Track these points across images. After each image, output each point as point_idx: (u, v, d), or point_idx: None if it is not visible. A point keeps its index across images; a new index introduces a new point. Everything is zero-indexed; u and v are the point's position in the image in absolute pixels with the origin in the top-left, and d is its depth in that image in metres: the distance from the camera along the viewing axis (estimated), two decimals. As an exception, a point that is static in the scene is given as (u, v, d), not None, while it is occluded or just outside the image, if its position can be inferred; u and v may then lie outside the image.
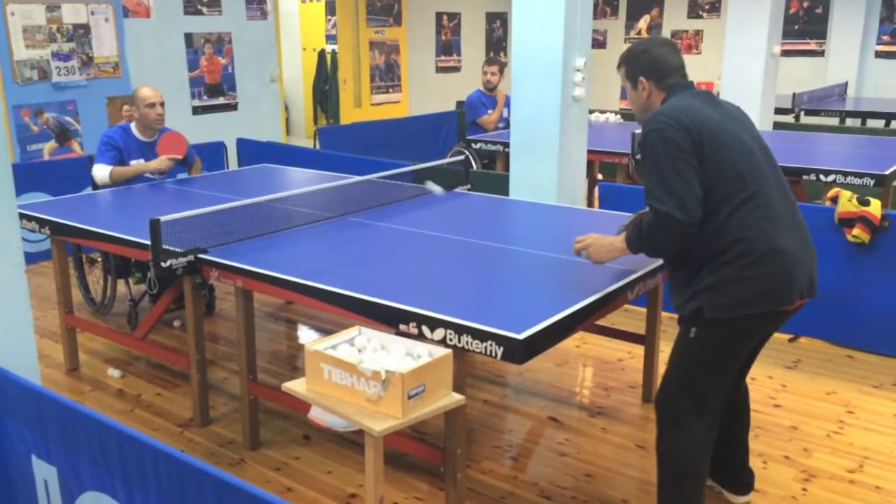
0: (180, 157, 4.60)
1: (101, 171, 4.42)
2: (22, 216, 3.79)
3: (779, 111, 8.07)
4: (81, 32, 6.58)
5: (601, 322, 3.51)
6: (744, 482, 2.84)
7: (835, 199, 4.04)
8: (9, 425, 2.09)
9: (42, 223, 3.75)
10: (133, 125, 4.57)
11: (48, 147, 6.45)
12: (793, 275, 2.33)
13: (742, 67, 7.17)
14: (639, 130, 5.29)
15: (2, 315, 2.20)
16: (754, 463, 2.97)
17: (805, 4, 11.33)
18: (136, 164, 4.48)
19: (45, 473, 2.04)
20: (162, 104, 4.52)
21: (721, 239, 2.30)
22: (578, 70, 4.49)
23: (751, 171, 2.33)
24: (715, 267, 2.32)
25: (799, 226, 2.42)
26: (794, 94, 8.78)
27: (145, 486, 1.76)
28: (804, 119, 8.82)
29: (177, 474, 1.68)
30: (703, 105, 2.41)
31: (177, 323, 4.57)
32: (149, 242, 3.01)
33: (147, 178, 4.55)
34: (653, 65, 2.52)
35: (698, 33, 12.27)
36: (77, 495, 1.95)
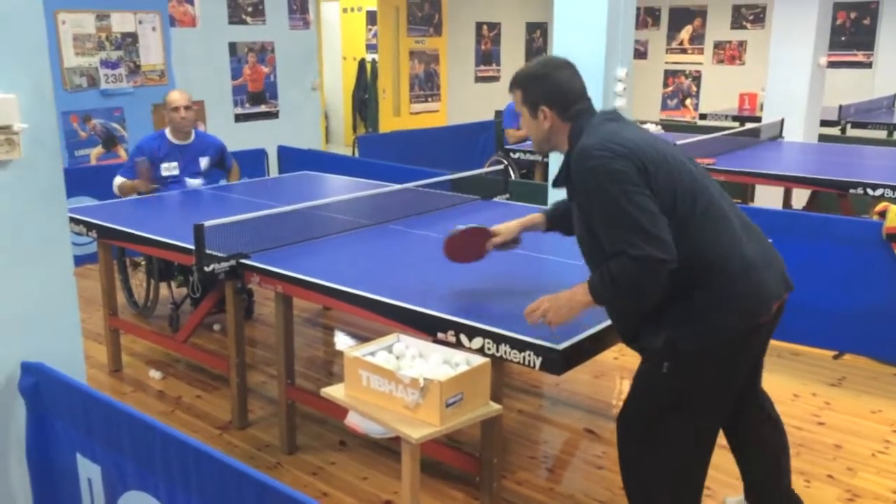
0: (147, 186, 4.55)
1: (115, 183, 4.59)
2: (70, 220, 3.88)
3: (825, 123, 7.92)
4: (129, 41, 6.73)
5: (640, 334, 3.47)
6: None
7: (883, 214, 3.95)
8: (56, 424, 2.14)
9: (89, 227, 3.84)
10: (168, 130, 4.66)
11: (95, 152, 6.61)
12: (765, 284, 2.18)
13: (787, 79, 7.06)
14: (681, 142, 5.19)
15: (52, 316, 2.26)
16: (796, 482, 2.91)
17: (852, 16, 11.12)
18: (130, 183, 4.56)
19: (89, 472, 2.08)
20: (187, 108, 4.59)
21: (687, 262, 2.09)
22: (620, 80, 4.47)
23: (693, 185, 2.16)
24: (682, 293, 2.12)
25: (750, 227, 2.26)
26: (840, 107, 8.62)
27: (187, 487, 1.79)
28: (851, 132, 8.65)
29: (218, 475, 1.70)
30: (622, 128, 2.22)
31: (217, 327, 4.63)
32: (192, 247, 3.06)
33: (188, 183, 4.64)
34: (556, 92, 2.27)
35: (742, 44, 12.11)
36: (120, 494, 1.99)
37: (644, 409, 2.31)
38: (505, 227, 2.77)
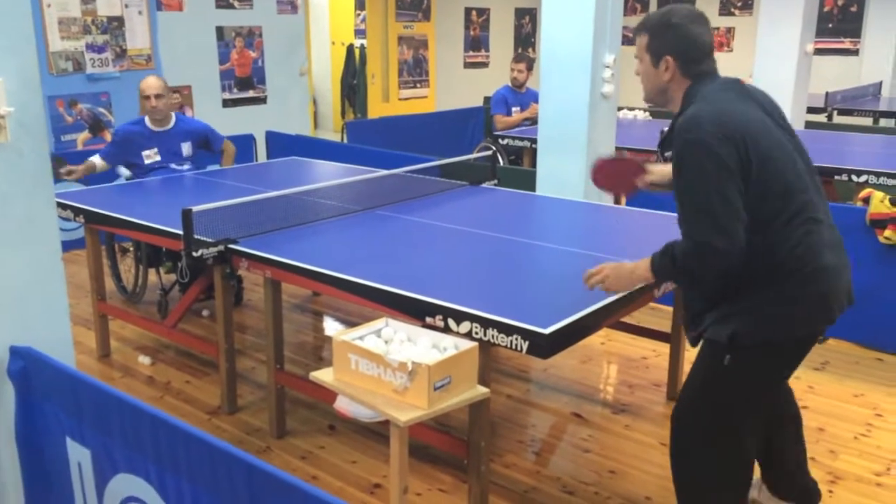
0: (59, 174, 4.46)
1: (89, 159, 4.54)
2: (57, 205, 3.86)
3: (811, 110, 7.97)
4: (115, 25, 6.67)
5: (626, 319, 3.50)
6: (808, 492, 2.65)
7: (867, 200, 3.99)
8: (45, 407, 2.15)
9: (77, 212, 3.82)
10: (146, 116, 4.63)
11: (82, 137, 6.56)
12: (836, 291, 2.17)
13: (774, 66, 7.10)
14: (667, 128, 5.16)
15: (40, 300, 2.26)
16: (779, 463, 2.95)
17: (839, 2, 11.16)
18: (84, 164, 4.51)
19: (79, 455, 2.08)
20: (158, 96, 4.52)
21: (765, 258, 2.10)
22: (608, 66, 4.48)
23: (796, 183, 2.13)
24: (754, 288, 2.13)
25: (836, 234, 2.23)
26: (826, 94, 8.67)
27: (177, 470, 1.80)
28: (837, 119, 8.70)
29: (208, 458, 1.71)
30: (740, 101, 2.16)
31: (205, 312, 4.63)
32: (181, 232, 3.06)
33: (175, 169, 4.62)
34: (686, 45, 2.18)
35: (730, 31, 12.15)
36: (110, 477, 2.00)
37: (700, 401, 2.30)
38: (659, 169, 2.61)
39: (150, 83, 4.56)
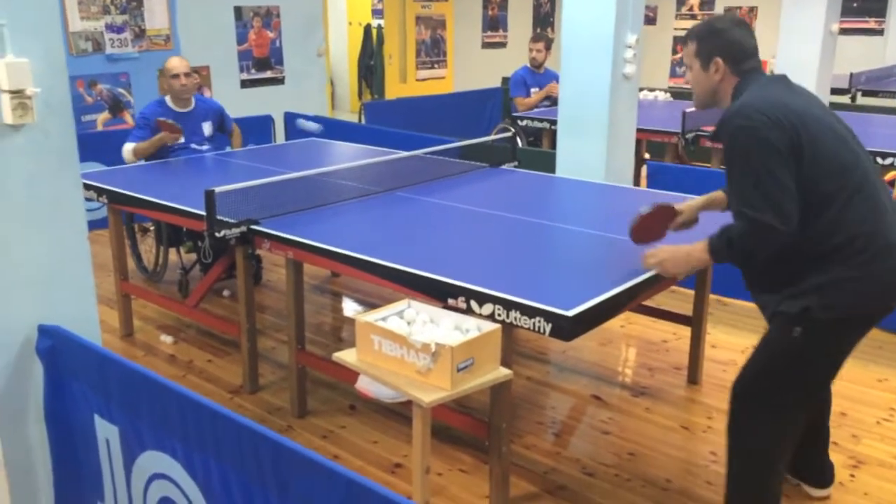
0: (176, 138, 4.50)
1: (126, 150, 4.50)
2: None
3: (835, 91, 7.85)
4: (134, 5, 6.68)
5: (647, 302, 3.49)
6: (824, 474, 2.76)
7: (892, 183, 3.94)
8: (73, 385, 2.18)
9: (100, 192, 3.85)
10: (168, 97, 4.63)
11: (101, 118, 6.60)
12: None
13: (798, 46, 6.98)
14: (690, 109, 5.19)
15: (67, 280, 2.28)
16: (801, 447, 2.95)
17: (865, -19, 10.95)
18: (150, 141, 4.46)
19: (107, 433, 2.11)
20: (187, 74, 4.55)
21: (834, 235, 2.16)
22: (629, 47, 4.43)
23: (852, 162, 2.21)
24: (827, 264, 2.19)
25: None
26: (851, 74, 8.52)
27: (203, 447, 1.82)
28: (861, 100, 8.57)
29: (234, 436, 1.73)
30: (787, 93, 2.27)
31: (226, 292, 4.66)
32: (203, 213, 3.07)
33: (196, 150, 4.63)
34: (732, 46, 2.33)
35: (752, 10, 11.95)
36: (138, 454, 2.03)
37: (766, 373, 2.36)
38: (688, 207, 2.74)
39: (177, 63, 4.57)
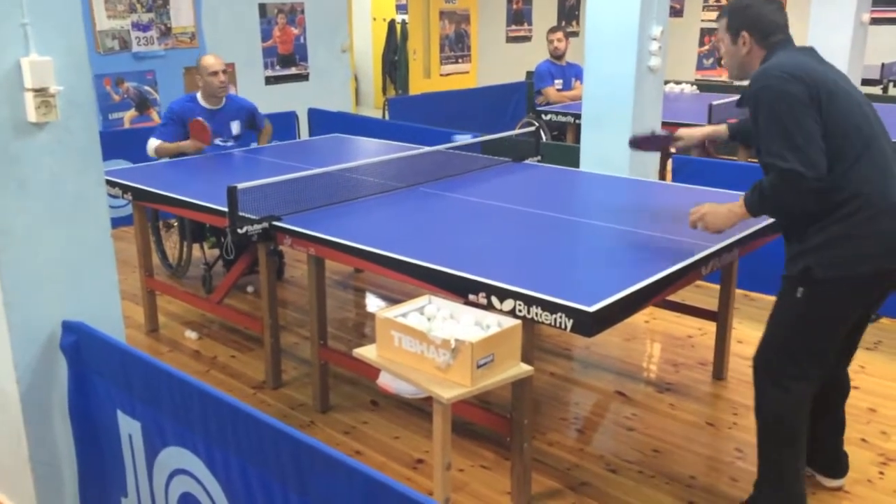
0: (203, 145, 4.52)
1: (150, 146, 4.55)
2: (105, 182, 3.94)
3: (866, 82, 7.71)
4: (160, 3, 6.74)
5: (671, 297, 3.45)
6: (838, 464, 2.76)
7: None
8: (96, 381, 2.20)
9: (125, 189, 3.89)
10: (199, 94, 4.66)
11: (128, 115, 6.67)
12: None
13: (828, 36, 6.84)
14: (717, 102, 5.19)
15: (91, 276, 2.31)
16: (829, 445, 2.90)
17: (898, -31, 10.72)
18: (175, 144, 4.51)
19: (129, 428, 2.13)
20: (224, 72, 4.58)
21: (836, 194, 2.23)
22: (655, 39, 4.38)
23: (864, 125, 2.29)
24: (826, 224, 2.26)
25: None
26: (882, 65, 8.37)
27: (224, 443, 1.83)
28: (893, 91, 8.41)
29: (255, 433, 1.73)
30: (811, 60, 2.36)
31: (250, 288, 4.69)
32: (226, 209, 3.09)
33: (219, 145, 4.65)
34: (758, 20, 2.45)
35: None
36: (160, 450, 2.04)
37: (773, 338, 2.44)
38: (688, 133, 3.01)
39: (214, 60, 4.58)
